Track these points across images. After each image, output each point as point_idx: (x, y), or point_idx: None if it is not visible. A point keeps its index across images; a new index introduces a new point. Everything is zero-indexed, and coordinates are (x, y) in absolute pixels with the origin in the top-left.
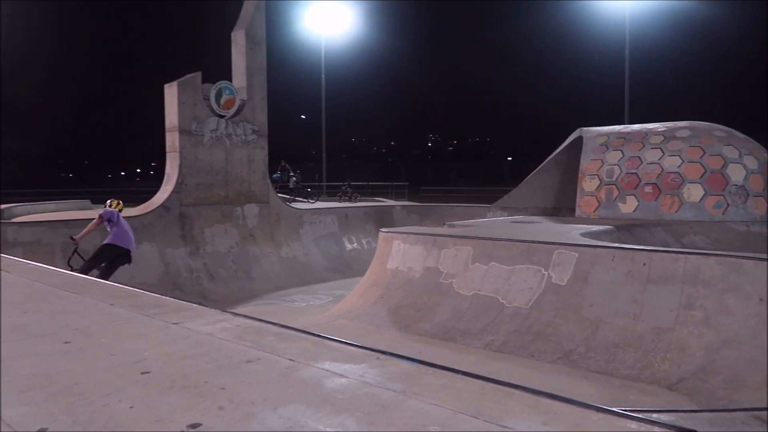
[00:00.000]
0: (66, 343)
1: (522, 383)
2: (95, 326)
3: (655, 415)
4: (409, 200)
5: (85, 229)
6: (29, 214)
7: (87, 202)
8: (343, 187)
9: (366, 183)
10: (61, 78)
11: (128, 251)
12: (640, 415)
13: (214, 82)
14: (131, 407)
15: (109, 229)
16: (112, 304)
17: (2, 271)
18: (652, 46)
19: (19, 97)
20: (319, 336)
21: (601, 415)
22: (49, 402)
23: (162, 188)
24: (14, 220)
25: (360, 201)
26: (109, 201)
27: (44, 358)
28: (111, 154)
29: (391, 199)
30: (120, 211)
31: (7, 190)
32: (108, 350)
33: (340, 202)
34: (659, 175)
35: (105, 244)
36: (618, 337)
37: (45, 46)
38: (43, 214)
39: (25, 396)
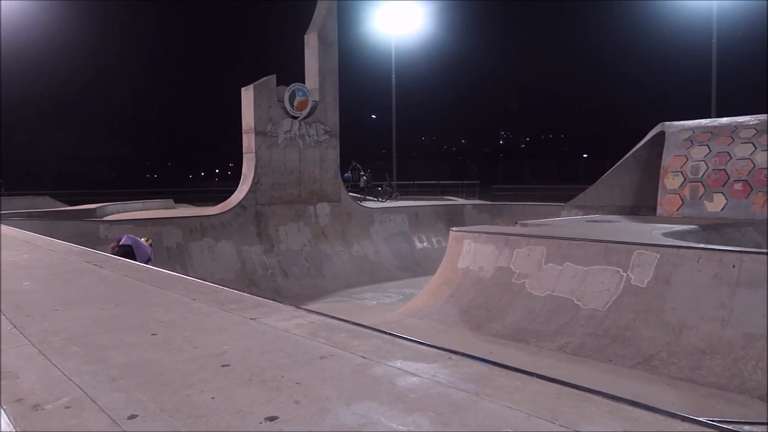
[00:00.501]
0: (153, 335)
1: (599, 388)
2: (179, 320)
3: (746, 428)
4: (480, 199)
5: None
6: (119, 212)
7: (170, 201)
8: (384, 185)
9: (436, 182)
10: (145, 84)
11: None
12: (729, 427)
13: (287, 85)
14: (213, 398)
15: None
16: (194, 299)
17: (93, 266)
18: (742, 35)
19: (111, 106)
20: (390, 334)
21: (686, 424)
22: (139, 390)
23: (239, 188)
24: (105, 218)
25: (400, 200)
26: (143, 238)
27: (134, 348)
28: (192, 155)
29: (461, 197)
30: (150, 245)
31: (99, 190)
32: (191, 343)
33: (381, 200)
34: (750, 171)
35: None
36: (704, 342)
37: (131, 55)
38: (132, 212)
39: (117, 384)
